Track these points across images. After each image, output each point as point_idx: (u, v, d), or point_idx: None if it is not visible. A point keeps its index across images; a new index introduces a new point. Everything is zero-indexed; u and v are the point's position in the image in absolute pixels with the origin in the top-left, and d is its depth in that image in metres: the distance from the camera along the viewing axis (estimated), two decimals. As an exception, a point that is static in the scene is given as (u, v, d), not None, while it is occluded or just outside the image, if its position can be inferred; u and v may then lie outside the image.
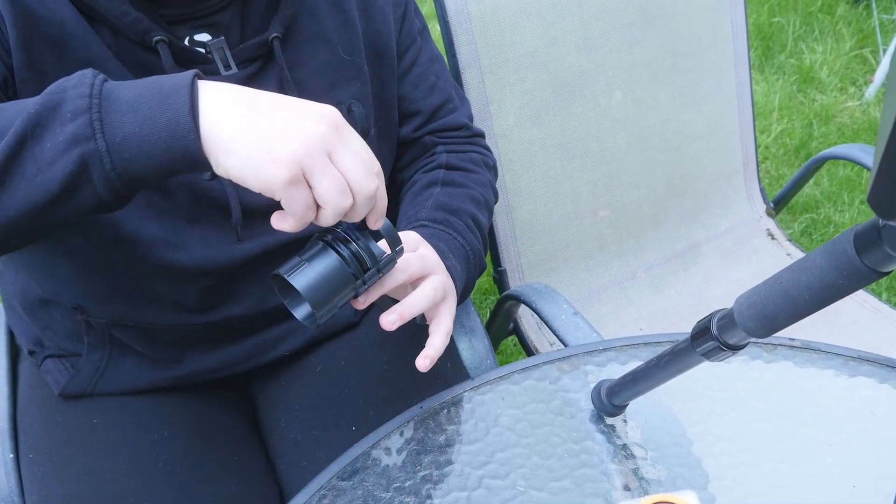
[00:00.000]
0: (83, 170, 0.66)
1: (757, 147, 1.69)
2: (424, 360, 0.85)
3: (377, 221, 0.75)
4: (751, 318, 0.64)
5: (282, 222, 0.70)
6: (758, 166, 1.69)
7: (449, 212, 1.03)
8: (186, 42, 0.91)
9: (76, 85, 0.67)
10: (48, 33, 0.83)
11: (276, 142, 0.65)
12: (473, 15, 1.32)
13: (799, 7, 3.38)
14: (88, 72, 0.68)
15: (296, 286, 0.72)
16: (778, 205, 1.74)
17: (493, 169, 1.18)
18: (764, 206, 1.70)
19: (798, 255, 1.63)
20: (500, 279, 1.49)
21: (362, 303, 0.80)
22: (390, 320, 0.81)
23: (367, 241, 0.76)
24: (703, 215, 1.65)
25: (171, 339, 1.04)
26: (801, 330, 1.44)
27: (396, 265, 0.81)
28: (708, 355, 0.70)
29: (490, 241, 1.48)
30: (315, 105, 0.70)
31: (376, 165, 0.72)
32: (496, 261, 1.49)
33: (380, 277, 0.79)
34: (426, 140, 1.13)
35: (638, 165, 1.57)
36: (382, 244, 0.81)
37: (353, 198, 0.69)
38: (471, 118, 1.18)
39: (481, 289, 2.25)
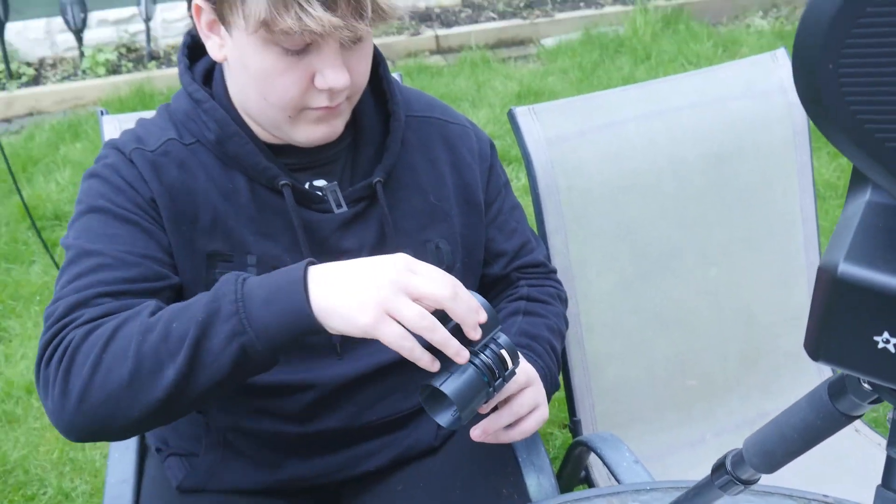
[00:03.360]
0: (244, 353, 0.91)
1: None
2: (476, 430, 1.03)
3: (473, 332, 0.92)
4: (755, 454, 0.76)
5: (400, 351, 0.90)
6: (830, 343, 1.77)
7: (530, 338, 1.20)
8: (307, 186, 1.14)
9: (225, 293, 0.92)
10: (184, 201, 1.09)
11: (358, 296, 0.88)
12: (561, 188, 1.51)
13: None
14: (231, 278, 0.94)
15: (447, 393, 0.90)
16: (851, 382, 1.80)
17: (564, 301, 1.36)
18: (835, 382, 1.77)
19: (865, 430, 1.69)
20: (574, 428, 1.60)
21: (486, 407, 0.98)
22: (474, 435, 1.02)
23: (497, 356, 0.94)
24: (774, 386, 1.73)
25: (274, 446, 1.20)
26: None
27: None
28: (724, 488, 0.81)
29: (567, 392, 1.61)
30: (385, 257, 0.92)
31: (447, 277, 0.91)
32: (571, 411, 1.61)
33: (504, 386, 0.97)
34: (511, 276, 1.31)
35: (720, 338, 1.69)
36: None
37: (443, 305, 0.89)
38: (547, 257, 1.37)
39: (566, 443, 2.34)
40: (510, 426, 1.04)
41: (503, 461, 1.31)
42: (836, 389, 0.66)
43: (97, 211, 1.06)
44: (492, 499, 1.23)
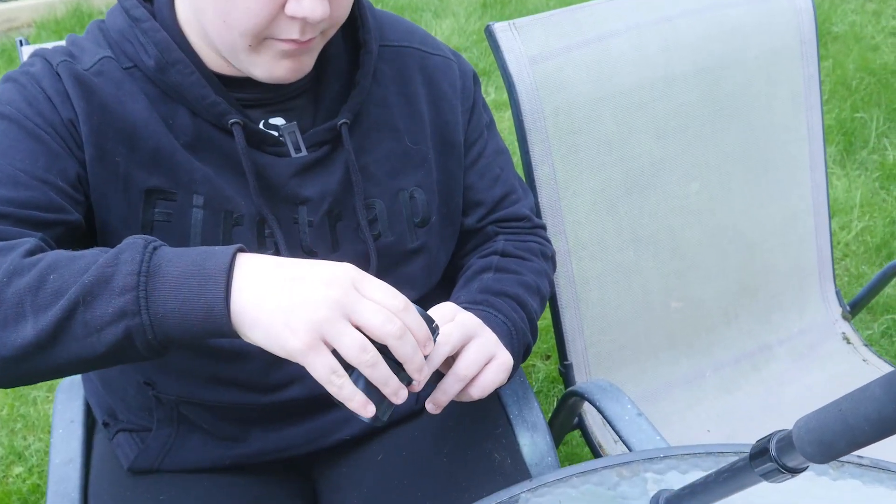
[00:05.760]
0: (128, 338, 0.74)
1: (833, 248, 1.67)
2: (428, 405, 0.92)
3: (416, 373, 0.80)
4: (809, 443, 0.63)
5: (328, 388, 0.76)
6: (833, 268, 1.67)
7: (492, 294, 1.05)
8: (261, 125, 0.98)
9: (127, 261, 0.74)
10: (120, 127, 0.92)
11: (293, 314, 0.73)
12: (547, 113, 1.35)
13: (883, 102, 3.34)
14: (140, 242, 0.76)
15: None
16: (855, 308, 1.70)
17: (550, 259, 1.19)
18: (839, 310, 1.67)
19: (874, 361, 1.59)
20: (565, 373, 1.49)
21: (417, 386, 0.83)
22: (429, 409, 0.91)
23: None
24: (775, 315, 1.62)
25: (235, 418, 1.07)
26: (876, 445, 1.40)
27: (438, 340, 0.85)
28: (766, 476, 0.69)
29: (557, 334, 1.48)
30: (331, 269, 0.77)
31: (400, 303, 0.77)
32: (562, 355, 1.49)
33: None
34: (488, 230, 1.15)
35: (710, 260, 1.57)
36: None
37: (388, 343, 0.76)
38: (533, 210, 1.20)
39: (549, 377, 2.24)
40: (467, 386, 0.92)
41: (493, 420, 1.19)
42: (924, 376, 0.53)
43: (0, 118, 0.90)
44: (483, 465, 1.11)
